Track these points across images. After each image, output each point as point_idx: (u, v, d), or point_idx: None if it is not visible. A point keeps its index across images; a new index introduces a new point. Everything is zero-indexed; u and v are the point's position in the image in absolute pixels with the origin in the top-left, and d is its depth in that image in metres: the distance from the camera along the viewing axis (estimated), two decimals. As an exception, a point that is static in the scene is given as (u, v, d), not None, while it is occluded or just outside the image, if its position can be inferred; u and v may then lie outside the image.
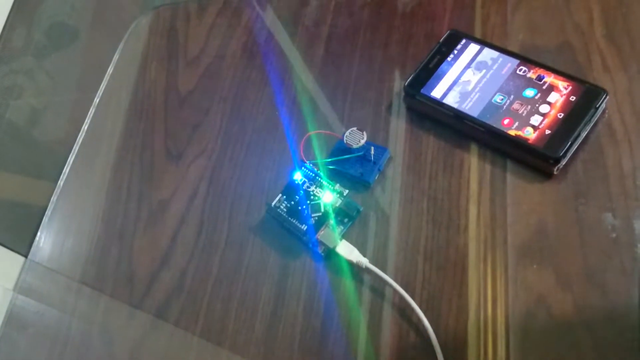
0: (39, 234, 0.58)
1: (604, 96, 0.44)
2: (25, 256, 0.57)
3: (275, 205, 0.48)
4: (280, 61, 0.59)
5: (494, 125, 0.45)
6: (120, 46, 0.68)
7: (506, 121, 0.45)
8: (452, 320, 0.41)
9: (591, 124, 0.44)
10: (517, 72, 0.47)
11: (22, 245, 0.58)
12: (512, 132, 0.44)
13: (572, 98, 0.44)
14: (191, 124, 0.58)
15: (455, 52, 0.50)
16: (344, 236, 0.46)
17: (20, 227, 0.64)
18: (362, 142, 0.47)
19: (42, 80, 0.74)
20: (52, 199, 0.59)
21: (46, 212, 0.59)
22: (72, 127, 0.66)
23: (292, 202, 0.48)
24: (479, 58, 0.49)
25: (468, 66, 0.49)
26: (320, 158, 0.50)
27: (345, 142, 0.47)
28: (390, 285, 0.42)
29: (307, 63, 0.58)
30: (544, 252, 0.41)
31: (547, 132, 0.43)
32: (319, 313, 0.44)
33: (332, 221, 0.46)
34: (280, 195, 0.48)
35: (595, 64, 0.47)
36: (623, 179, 0.42)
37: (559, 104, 0.44)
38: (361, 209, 0.47)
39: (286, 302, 0.46)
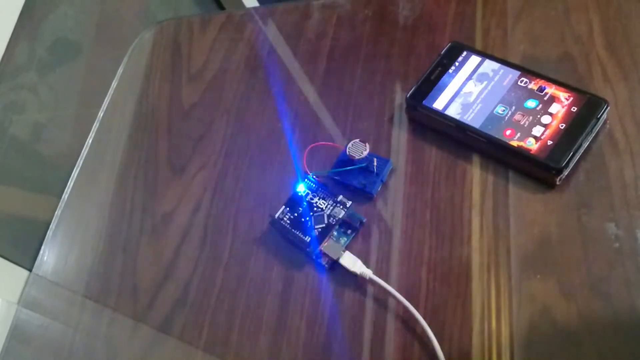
0: (43, 247, 0.58)
1: (605, 106, 0.44)
2: (30, 270, 0.57)
3: (278, 217, 0.48)
4: (282, 74, 0.59)
5: (496, 136, 0.45)
6: (125, 60, 0.69)
7: (508, 132, 0.45)
8: (456, 330, 0.41)
9: (593, 135, 0.44)
10: (519, 83, 0.48)
11: (27, 259, 0.59)
12: (514, 143, 0.44)
13: (574, 109, 0.45)
14: (194, 137, 0.58)
15: (457, 64, 0.50)
16: (348, 247, 0.46)
17: (24, 241, 0.64)
18: (365, 153, 0.47)
19: (45, 95, 0.74)
20: (56, 213, 0.59)
21: (50, 226, 0.59)
22: (76, 141, 0.66)
23: (296, 214, 0.48)
24: (481, 70, 0.49)
25: (469, 78, 0.49)
26: (323, 170, 0.51)
27: (347, 153, 0.48)
28: (394, 297, 0.42)
29: (309, 76, 0.58)
30: (548, 263, 0.41)
31: (549, 142, 0.44)
32: (323, 325, 0.44)
33: (335, 233, 0.46)
34: (283, 207, 0.49)
35: (595, 75, 0.47)
36: (625, 189, 0.42)
37: (560, 115, 0.45)
38: (364, 220, 0.47)
39: (290, 314, 0.45)
